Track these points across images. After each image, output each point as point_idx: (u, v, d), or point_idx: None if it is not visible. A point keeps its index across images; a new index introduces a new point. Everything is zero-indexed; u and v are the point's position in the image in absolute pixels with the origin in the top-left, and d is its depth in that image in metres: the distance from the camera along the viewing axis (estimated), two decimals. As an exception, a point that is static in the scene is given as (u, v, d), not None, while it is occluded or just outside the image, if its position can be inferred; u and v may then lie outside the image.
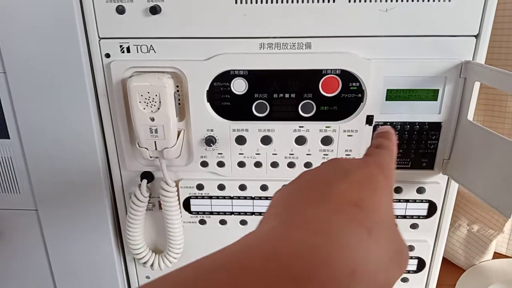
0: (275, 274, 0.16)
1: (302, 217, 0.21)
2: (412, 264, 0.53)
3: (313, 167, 0.47)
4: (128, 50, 0.44)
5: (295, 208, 0.22)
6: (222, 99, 0.46)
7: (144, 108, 0.44)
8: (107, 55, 0.44)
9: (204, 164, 0.49)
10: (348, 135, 0.46)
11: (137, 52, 0.44)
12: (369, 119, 0.45)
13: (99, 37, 0.44)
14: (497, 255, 0.74)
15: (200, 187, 0.51)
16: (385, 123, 0.46)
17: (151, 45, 0.44)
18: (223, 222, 0.53)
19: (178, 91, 0.46)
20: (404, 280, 0.54)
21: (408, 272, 0.54)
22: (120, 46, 0.44)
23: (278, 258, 0.17)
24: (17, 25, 0.43)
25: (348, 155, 0.47)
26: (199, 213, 0.52)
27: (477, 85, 0.42)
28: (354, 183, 0.22)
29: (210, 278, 0.16)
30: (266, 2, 0.41)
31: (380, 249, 0.20)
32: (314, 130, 0.46)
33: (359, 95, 0.45)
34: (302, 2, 0.41)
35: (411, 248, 0.52)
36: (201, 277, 0.16)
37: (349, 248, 0.18)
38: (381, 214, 0.22)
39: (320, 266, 0.17)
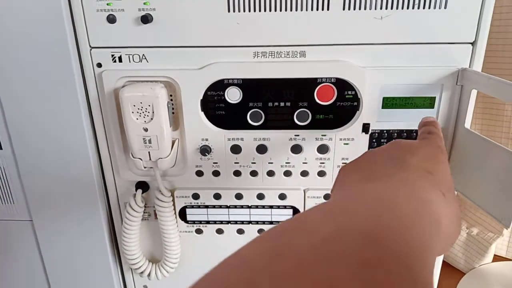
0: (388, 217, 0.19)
1: (393, 178, 0.24)
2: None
3: (310, 175, 0.47)
4: (120, 60, 0.43)
5: (381, 173, 0.25)
6: (216, 108, 0.45)
7: (137, 119, 0.43)
8: (99, 65, 0.44)
9: (200, 173, 0.48)
10: (345, 143, 0.46)
11: (129, 61, 0.43)
12: (365, 127, 0.45)
13: (90, 46, 0.43)
14: (497, 258, 0.74)
15: (196, 196, 0.50)
16: (381, 131, 0.45)
17: (143, 54, 0.43)
18: (219, 231, 0.52)
19: (171, 100, 0.45)
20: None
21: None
22: (112, 55, 0.43)
23: (394, 214, 0.19)
24: (6, 35, 0.42)
25: (345, 163, 0.47)
26: (196, 222, 0.52)
27: (474, 92, 0.42)
28: (424, 157, 0.27)
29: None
30: (260, 10, 0.41)
31: (450, 208, 0.24)
32: (310, 138, 0.46)
33: (355, 103, 0.44)
34: (296, 10, 0.40)
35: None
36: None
37: (435, 204, 0.22)
38: (449, 182, 0.27)
39: (423, 212, 0.20)
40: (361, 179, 0.25)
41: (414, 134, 0.45)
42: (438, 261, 0.53)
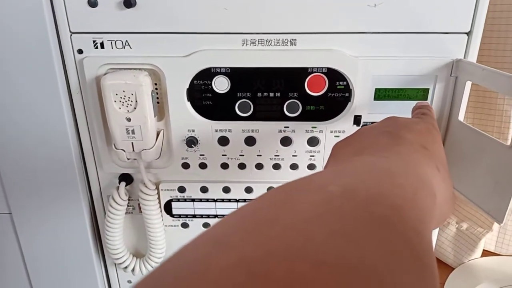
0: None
1: (389, 152, 0.24)
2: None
3: (300, 168, 0.45)
4: (102, 46, 0.41)
5: (376, 147, 0.25)
6: (203, 98, 0.43)
7: (119, 108, 0.41)
8: (80, 51, 0.42)
9: (186, 165, 0.47)
10: (335, 136, 0.44)
11: (112, 47, 0.41)
12: (357, 120, 0.43)
13: (70, 31, 0.41)
14: (486, 253, 0.74)
15: (181, 189, 0.48)
16: (373, 123, 0.44)
17: (126, 41, 0.41)
18: (206, 225, 0.51)
19: (156, 89, 0.44)
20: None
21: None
22: (94, 41, 0.41)
23: (396, 182, 0.19)
24: (-19, 18, 0.40)
25: (335, 156, 0.45)
26: (181, 216, 0.50)
27: (468, 84, 0.41)
28: (419, 133, 0.27)
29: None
30: (249, -4, 0.39)
31: (444, 184, 0.24)
32: (300, 130, 0.44)
33: (347, 94, 0.43)
34: (287, -4, 0.39)
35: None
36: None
37: (430, 177, 0.22)
38: (443, 158, 0.27)
39: (420, 184, 0.20)
40: (356, 153, 0.25)
41: (407, 126, 0.44)
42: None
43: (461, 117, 0.42)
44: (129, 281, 0.57)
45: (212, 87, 0.43)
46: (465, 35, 0.40)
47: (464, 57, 0.41)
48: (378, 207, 0.16)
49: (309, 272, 0.12)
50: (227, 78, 0.42)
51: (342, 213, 0.15)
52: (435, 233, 0.50)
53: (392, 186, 0.18)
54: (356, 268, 0.12)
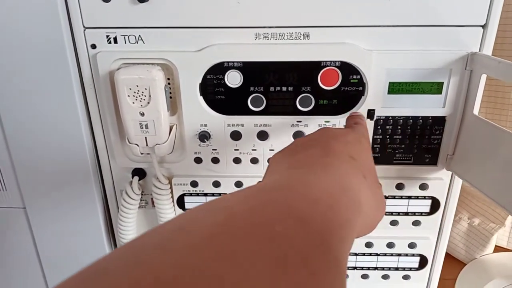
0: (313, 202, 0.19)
1: (316, 164, 0.25)
2: (414, 262, 0.52)
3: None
4: (115, 41, 0.42)
5: (304, 159, 0.26)
6: (216, 92, 0.43)
7: (133, 102, 0.42)
8: (93, 46, 0.42)
9: (198, 160, 0.47)
10: (348, 130, 0.44)
11: (125, 42, 0.42)
12: (371, 113, 0.43)
13: (84, 26, 0.41)
14: (498, 249, 0.73)
15: (194, 184, 0.49)
16: (387, 118, 0.44)
17: (139, 35, 0.41)
18: (218, 219, 0.51)
19: (169, 84, 0.44)
20: (406, 277, 0.53)
21: (410, 269, 0.52)
22: (107, 36, 0.41)
23: (311, 196, 0.20)
24: (-4, 14, 0.40)
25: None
26: (193, 210, 0.50)
27: (483, 77, 0.40)
28: (348, 143, 0.29)
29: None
30: (262, -11, 0.39)
31: (371, 190, 0.26)
32: (313, 125, 0.44)
33: (360, 88, 0.42)
34: (300, -11, 0.39)
35: (413, 245, 0.51)
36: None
37: (355, 186, 0.24)
38: (370, 166, 0.29)
39: (341, 195, 0.21)
40: (290, 167, 0.26)
41: (420, 120, 0.44)
42: (441, 255, 0.52)
43: (476, 111, 0.42)
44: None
45: (224, 81, 0.43)
46: (481, 28, 0.40)
47: (479, 50, 0.40)
48: (281, 223, 0.16)
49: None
50: (240, 73, 0.42)
51: (238, 232, 0.16)
52: (447, 229, 0.50)
53: (305, 198, 0.19)
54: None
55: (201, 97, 0.44)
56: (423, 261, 0.52)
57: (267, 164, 0.30)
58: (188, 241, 0.15)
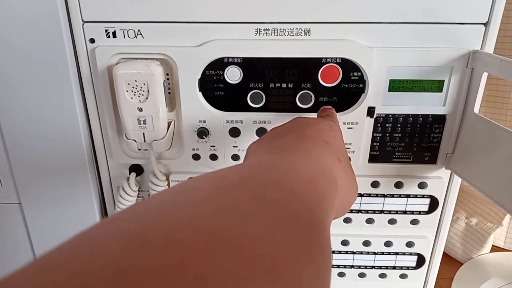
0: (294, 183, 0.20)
1: (293, 148, 0.26)
2: (411, 261, 0.52)
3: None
4: (114, 35, 0.41)
5: (282, 145, 0.27)
6: (215, 88, 0.43)
7: (131, 98, 0.41)
8: (92, 40, 0.41)
9: (196, 157, 0.46)
10: (348, 128, 0.44)
11: (124, 37, 0.41)
12: (371, 111, 0.43)
13: (82, 20, 0.41)
14: (495, 249, 0.73)
15: (192, 180, 0.48)
16: (387, 115, 0.43)
17: (138, 30, 0.41)
18: (216, 217, 0.51)
19: (168, 79, 0.43)
20: (403, 276, 0.53)
21: (407, 268, 0.52)
22: (106, 30, 0.41)
23: (294, 173, 0.21)
24: (-7, 6, 0.40)
25: (348, 148, 0.45)
26: (191, 207, 0.50)
27: (485, 76, 0.40)
28: (321, 130, 0.30)
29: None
30: (263, -16, 0.38)
31: (345, 172, 0.27)
32: (312, 122, 0.44)
33: (360, 85, 0.42)
34: (301, -16, 0.38)
35: (411, 244, 0.51)
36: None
37: (331, 167, 0.25)
38: (343, 151, 0.30)
39: (321, 175, 0.22)
40: (267, 153, 0.27)
41: (420, 118, 0.43)
42: (438, 254, 0.52)
43: (476, 109, 0.41)
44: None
45: (224, 77, 0.42)
46: (483, 25, 0.40)
47: (481, 48, 0.40)
48: (272, 191, 0.18)
49: (189, 239, 0.13)
50: (240, 69, 0.42)
51: (235, 194, 0.17)
52: (445, 228, 0.50)
53: (288, 175, 0.21)
54: (237, 237, 0.14)
55: (200, 93, 0.43)
56: (420, 260, 0.52)
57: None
58: (191, 199, 0.16)
